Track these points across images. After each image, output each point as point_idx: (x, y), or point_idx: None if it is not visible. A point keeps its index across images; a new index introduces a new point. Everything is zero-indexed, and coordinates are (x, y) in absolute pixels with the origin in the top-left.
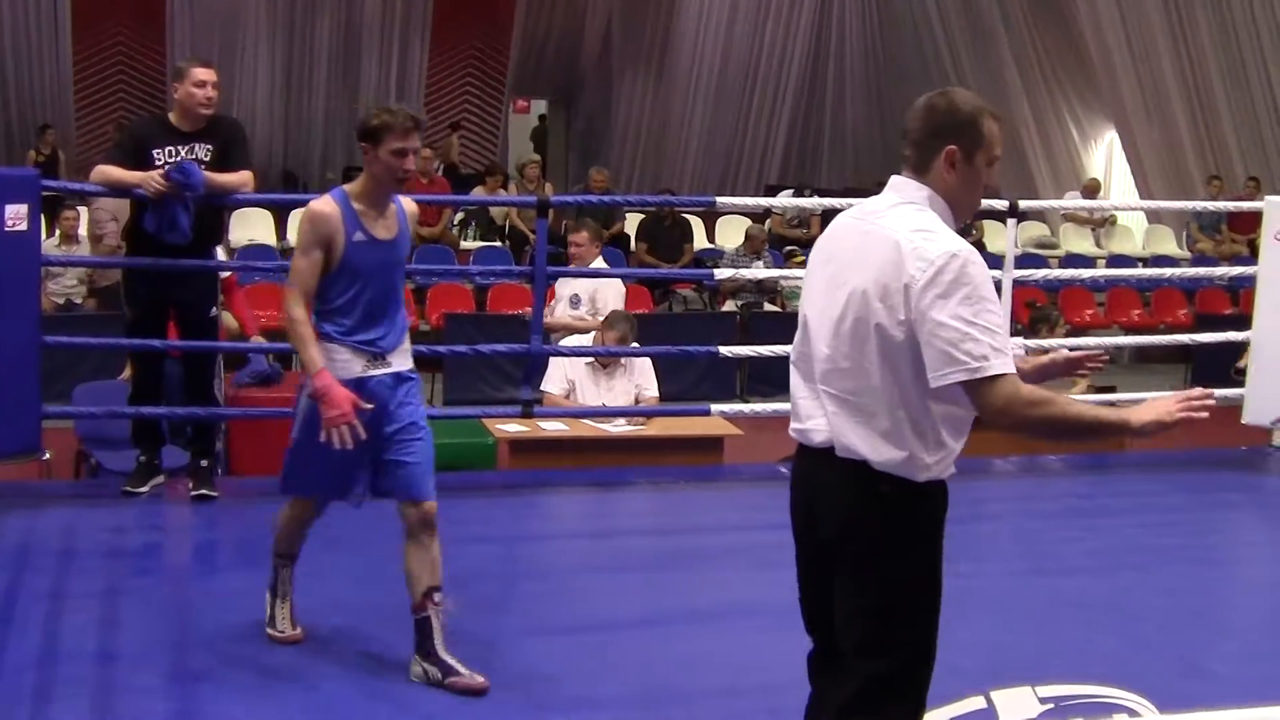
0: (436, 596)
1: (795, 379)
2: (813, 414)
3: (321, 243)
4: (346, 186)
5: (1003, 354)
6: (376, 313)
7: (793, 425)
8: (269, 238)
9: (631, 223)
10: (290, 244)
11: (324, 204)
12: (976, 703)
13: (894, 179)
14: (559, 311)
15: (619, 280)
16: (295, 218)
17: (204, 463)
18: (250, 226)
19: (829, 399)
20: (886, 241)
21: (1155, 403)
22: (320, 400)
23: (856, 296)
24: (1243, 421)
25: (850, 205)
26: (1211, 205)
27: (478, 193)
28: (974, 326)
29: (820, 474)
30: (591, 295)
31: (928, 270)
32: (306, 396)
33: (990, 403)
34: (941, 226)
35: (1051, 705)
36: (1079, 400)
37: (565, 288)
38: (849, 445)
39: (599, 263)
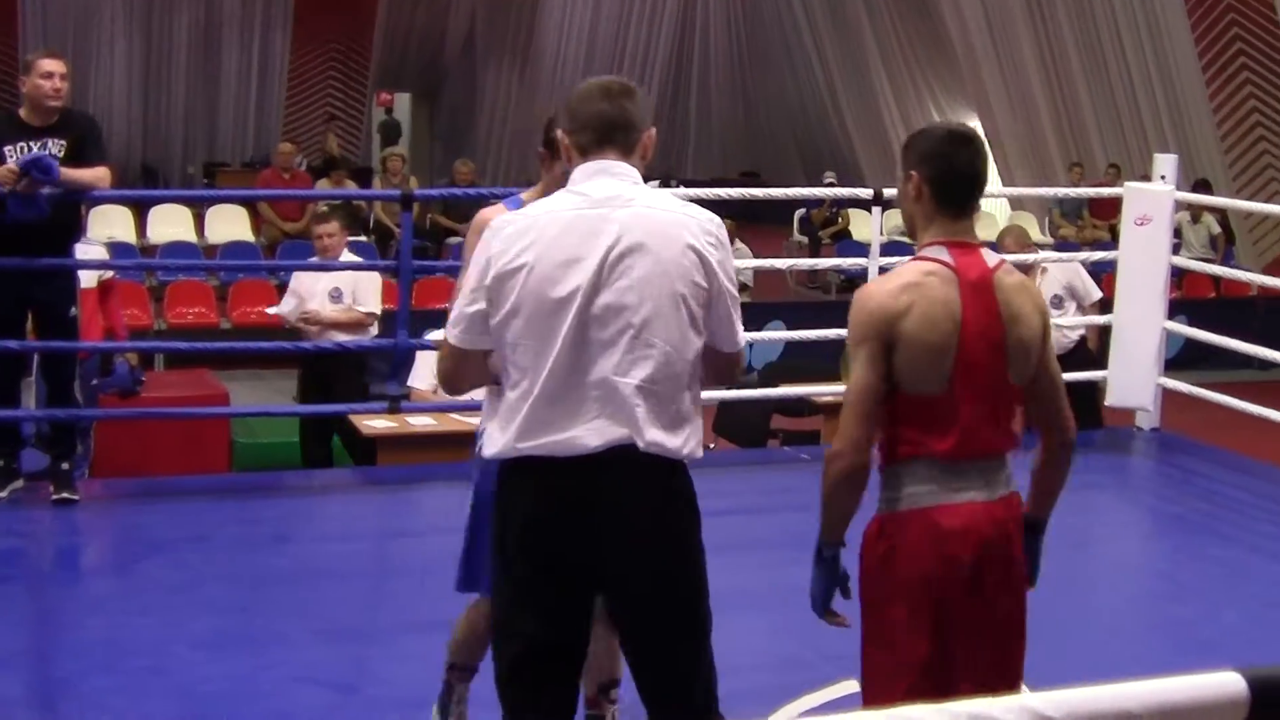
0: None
1: (538, 393)
2: (575, 421)
3: None
4: (524, 194)
5: None
6: None
7: (536, 441)
8: (129, 235)
9: None
10: (153, 241)
11: None
12: (849, 686)
13: (613, 164)
14: (315, 306)
15: (376, 273)
16: (158, 214)
17: (64, 465)
18: (110, 224)
19: (631, 393)
20: (664, 218)
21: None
22: None
23: (656, 277)
24: (1106, 404)
25: (718, 195)
26: (1073, 191)
27: (322, 186)
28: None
29: (607, 482)
30: (353, 287)
31: (714, 236)
32: (480, 470)
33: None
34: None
35: None
36: None
37: (317, 281)
38: (655, 440)
39: (347, 254)
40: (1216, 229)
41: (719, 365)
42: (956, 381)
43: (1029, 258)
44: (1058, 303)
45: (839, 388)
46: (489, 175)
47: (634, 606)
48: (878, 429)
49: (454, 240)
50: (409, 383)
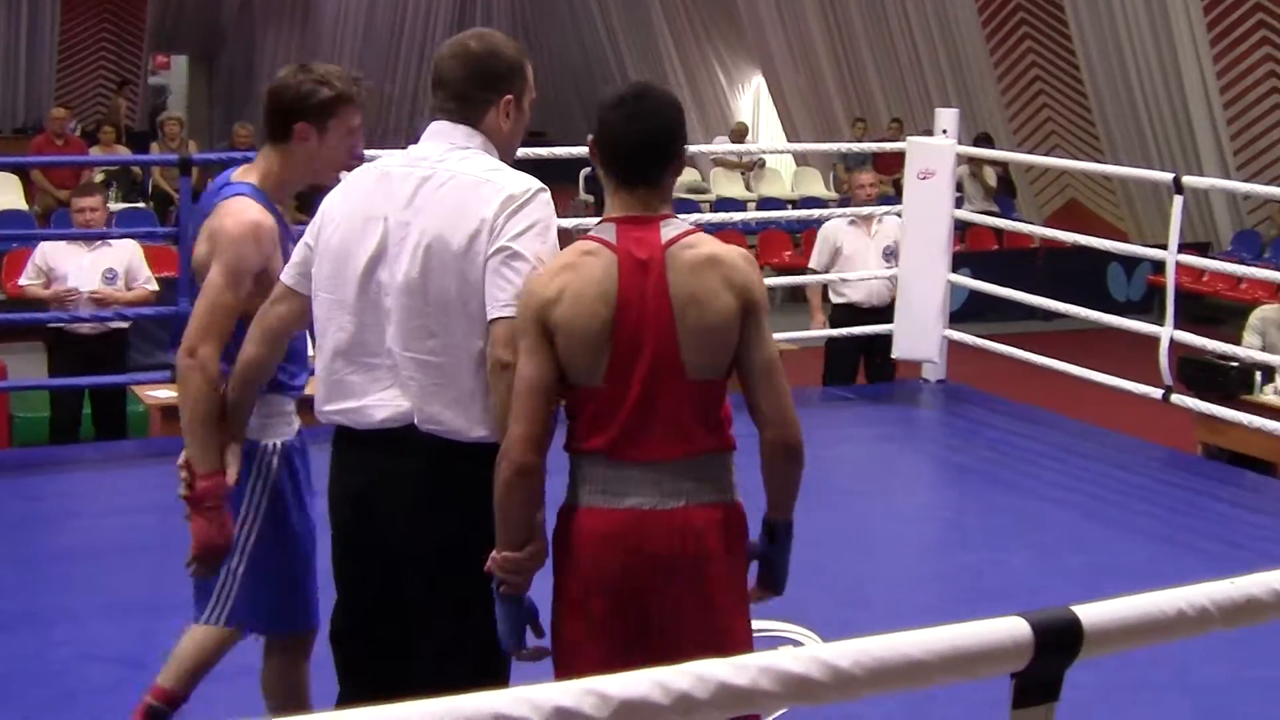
0: None
1: (335, 355)
2: (368, 389)
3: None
4: (253, 180)
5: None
6: None
7: (335, 406)
8: None
9: None
10: None
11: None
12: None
13: (440, 126)
14: (81, 285)
15: (136, 242)
16: None
17: None
18: None
19: (411, 365)
20: (460, 183)
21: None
22: None
23: (436, 244)
24: (892, 356)
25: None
26: (856, 147)
27: (96, 152)
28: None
29: (388, 458)
30: (126, 265)
31: (516, 201)
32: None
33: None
34: (506, 167)
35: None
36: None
37: (79, 258)
38: (431, 415)
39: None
40: (993, 181)
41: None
42: (613, 373)
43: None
44: (889, 255)
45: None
46: None
47: (409, 592)
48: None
49: None
50: None
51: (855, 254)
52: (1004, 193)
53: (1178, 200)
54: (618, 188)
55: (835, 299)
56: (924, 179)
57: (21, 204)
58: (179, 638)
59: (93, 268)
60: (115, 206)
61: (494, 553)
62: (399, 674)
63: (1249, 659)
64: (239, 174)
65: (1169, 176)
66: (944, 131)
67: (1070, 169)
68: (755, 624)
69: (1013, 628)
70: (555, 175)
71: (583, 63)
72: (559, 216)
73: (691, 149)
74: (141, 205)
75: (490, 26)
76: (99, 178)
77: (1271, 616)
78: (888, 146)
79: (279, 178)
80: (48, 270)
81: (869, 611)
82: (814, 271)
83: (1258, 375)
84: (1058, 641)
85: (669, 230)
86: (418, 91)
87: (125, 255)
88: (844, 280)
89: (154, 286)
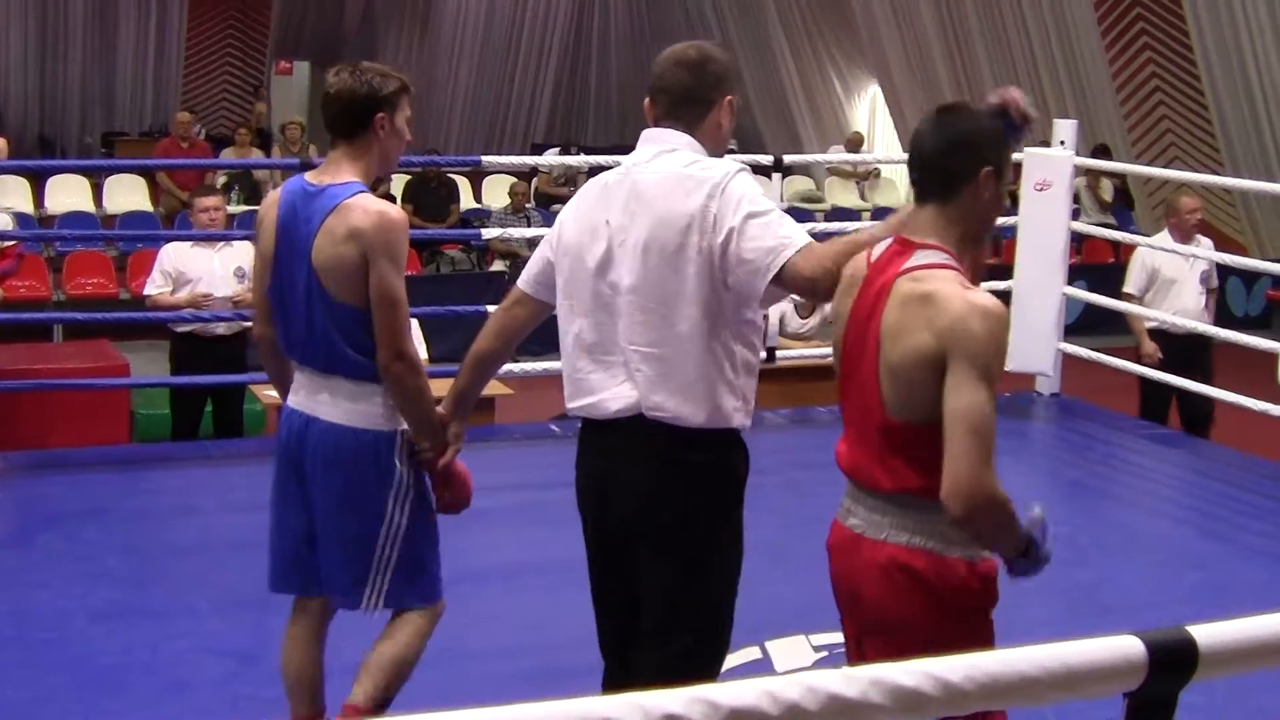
0: None
1: (577, 354)
2: (604, 385)
3: None
4: (349, 178)
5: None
6: None
7: (579, 402)
8: (27, 205)
9: (398, 184)
10: (51, 212)
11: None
12: (752, 653)
13: (651, 133)
14: (212, 289)
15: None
16: (56, 185)
17: None
18: (7, 194)
19: (638, 358)
20: (665, 183)
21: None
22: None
23: (652, 242)
24: (1006, 368)
25: (617, 162)
26: None
27: (228, 154)
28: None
29: (621, 444)
30: (251, 264)
31: (720, 185)
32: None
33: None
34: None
35: (825, 653)
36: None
37: (209, 261)
38: (658, 404)
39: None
40: (1109, 195)
41: (793, 289)
42: (841, 391)
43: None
44: (1203, 279)
45: None
46: None
47: (637, 575)
48: None
49: None
50: None
51: (1176, 277)
52: (1121, 205)
53: None
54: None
55: (1148, 324)
56: (1040, 190)
57: (147, 205)
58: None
59: (223, 267)
60: (235, 209)
61: None
62: (632, 637)
63: None
64: (325, 177)
65: None
66: (1061, 143)
67: (1189, 181)
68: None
69: (1127, 647)
70: None
71: None
72: None
73: (807, 158)
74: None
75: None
76: (222, 180)
77: None
78: None
79: (368, 171)
80: (176, 275)
81: None
82: (1131, 298)
83: None
84: (1173, 662)
85: (916, 259)
86: (535, 95)
87: (247, 256)
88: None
89: None
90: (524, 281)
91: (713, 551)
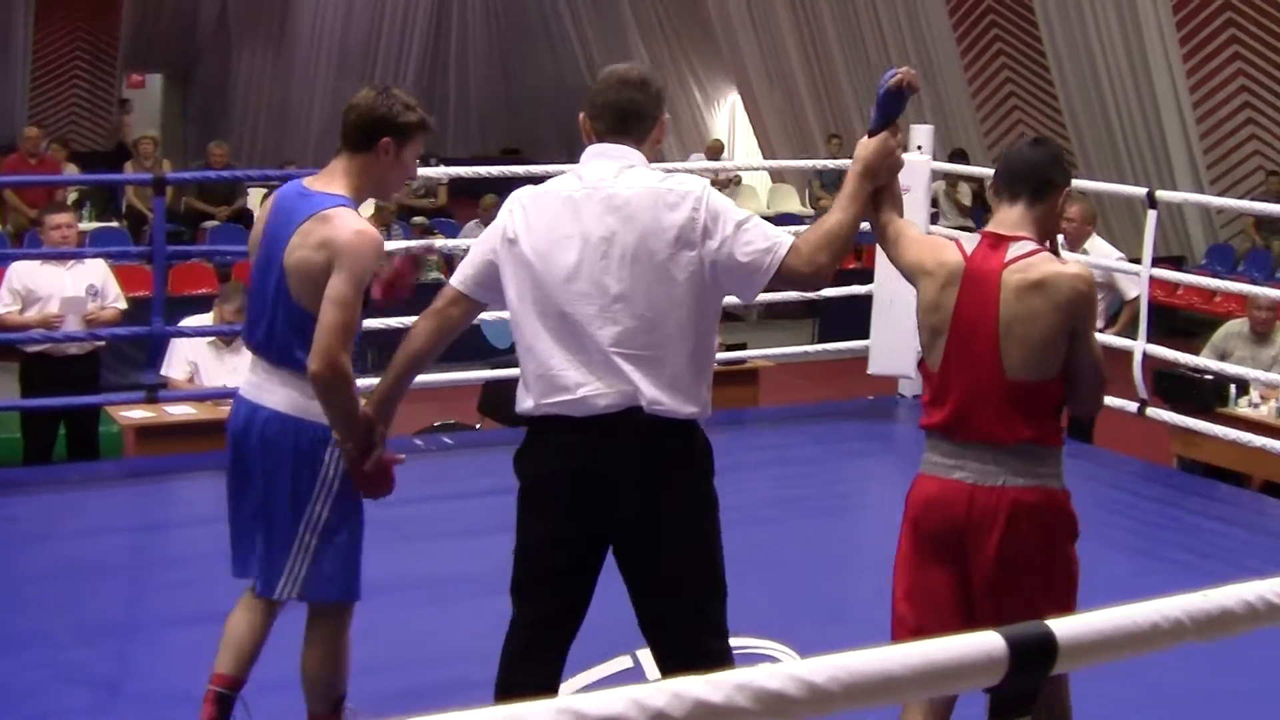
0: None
1: (549, 354)
2: (583, 383)
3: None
4: (338, 190)
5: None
6: None
7: (556, 398)
8: None
9: (255, 197)
10: None
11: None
12: (624, 662)
13: (602, 148)
14: (63, 308)
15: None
16: None
17: None
18: None
19: (624, 360)
20: (644, 198)
21: (861, 145)
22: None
23: (642, 253)
24: (868, 372)
25: (478, 174)
26: (832, 163)
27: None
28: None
29: (610, 441)
30: (103, 281)
31: (696, 198)
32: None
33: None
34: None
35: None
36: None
37: (58, 279)
38: (655, 399)
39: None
40: (968, 200)
41: (789, 285)
42: (946, 365)
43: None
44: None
45: None
46: (244, 157)
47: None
48: None
49: (210, 224)
50: (164, 372)
51: None
52: (980, 208)
53: (1151, 214)
54: (999, 205)
55: None
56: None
57: None
58: (154, 660)
59: (74, 286)
60: (88, 225)
61: None
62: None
63: (1222, 671)
64: (317, 184)
65: (1143, 191)
66: (919, 148)
67: None
68: (737, 640)
69: (988, 643)
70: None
71: (558, 81)
72: None
73: (668, 166)
74: (115, 224)
75: (466, 46)
76: (73, 197)
77: (1244, 628)
78: None
79: (358, 188)
80: (25, 293)
81: (847, 628)
82: None
83: (1232, 388)
84: (1033, 656)
85: (1015, 250)
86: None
87: (99, 273)
88: None
89: (123, 305)
90: (461, 283)
91: (712, 524)
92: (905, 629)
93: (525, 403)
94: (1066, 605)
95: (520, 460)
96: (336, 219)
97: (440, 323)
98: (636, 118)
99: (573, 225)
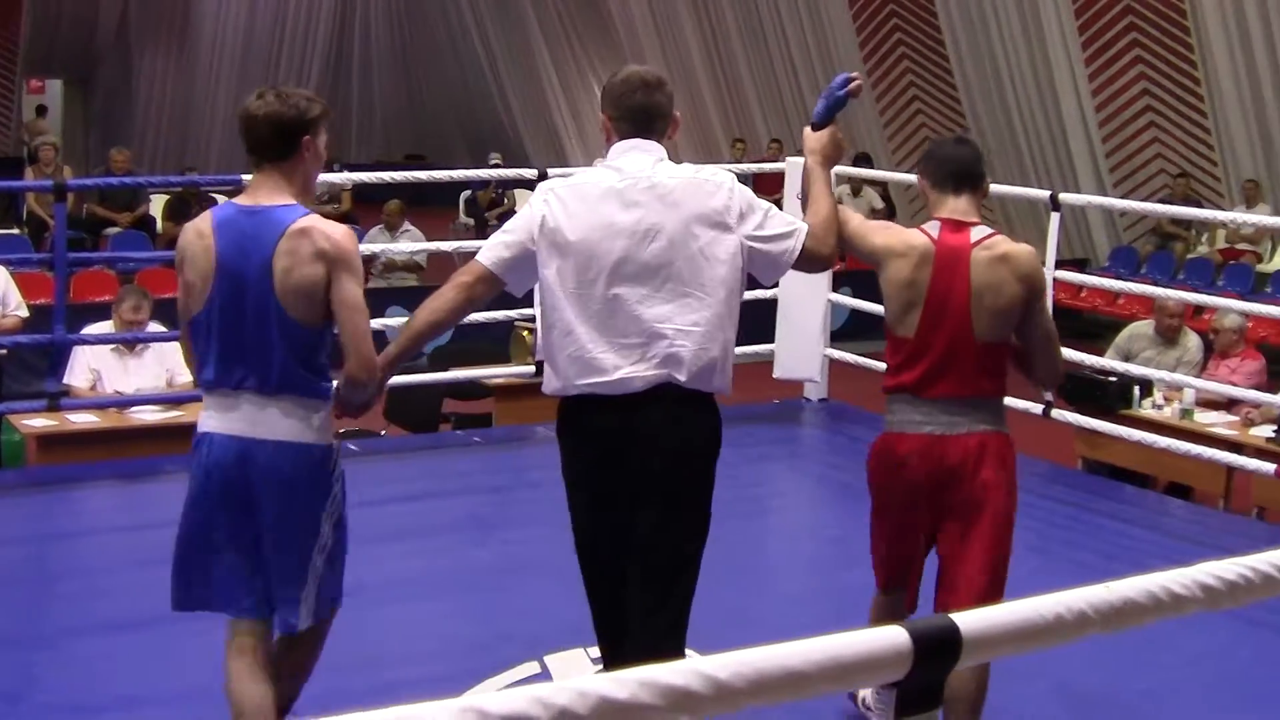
0: None
1: (587, 338)
2: (619, 364)
3: None
4: (289, 200)
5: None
6: None
7: (592, 380)
8: None
9: (157, 204)
10: None
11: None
12: (531, 668)
13: (634, 143)
14: None
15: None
16: None
17: None
18: None
19: (681, 336)
20: (684, 187)
21: (809, 137)
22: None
23: (689, 238)
24: (774, 376)
25: (382, 179)
26: (736, 167)
27: (30, 175)
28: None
29: (643, 415)
30: (4, 290)
31: (727, 187)
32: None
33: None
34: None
35: (603, 665)
36: None
37: None
38: (698, 374)
39: None
40: (879, 203)
41: (807, 267)
42: (922, 330)
43: None
44: None
45: (510, 369)
46: (146, 163)
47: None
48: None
49: (112, 231)
50: (66, 380)
51: None
52: (885, 213)
53: (1055, 217)
54: (943, 198)
55: None
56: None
57: None
58: (57, 670)
59: None
60: None
61: None
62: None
63: (1125, 671)
64: (260, 199)
65: (1046, 194)
66: None
67: None
68: None
69: (892, 636)
70: (434, 199)
71: (462, 87)
72: (438, 238)
73: (570, 171)
74: (16, 231)
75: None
76: None
77: (1148, 619)
78: (767, 167)
79: (298, 192)
80: None
81: (755, 630)
82: None
83: (1136, 390)
84: (937, 649)
85: (976, 234)
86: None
87: (3, 278)
88: None
89: (24, 313)
90: (493, 263)
91: (709, 501)
92: (886, 569)
93: (554, 383)
94: (1010, 528)
95: (560, 438)
96: (317, 229)
97: (468, 296)
98: (660, 117)
99: (621, 214)
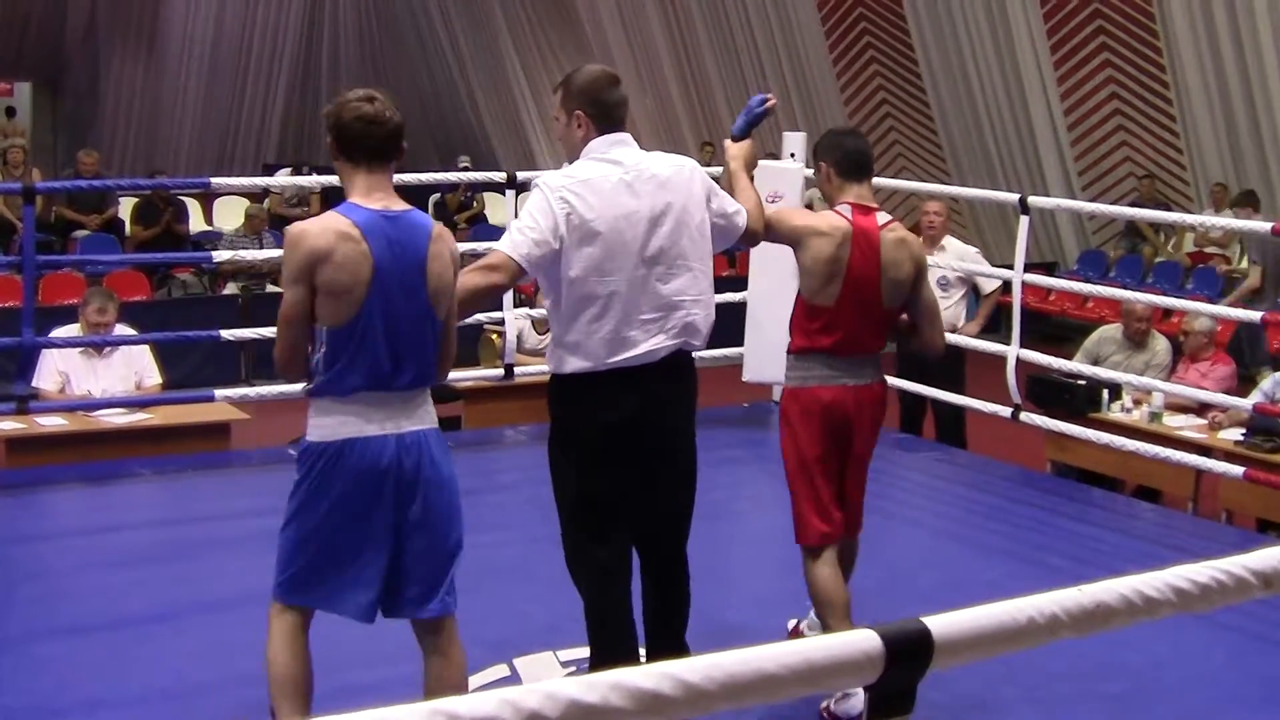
0: None
1: (616, 318)
2: (642, 340)
3: None
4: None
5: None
6: None
7: (624, 355)
8: None
9: (126, 206)
10: None
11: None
12: (500, 671)
13: (620, 137)
14: None
15: None
16: None
17: None
18: None
19: (695, 305)
20: (675, 172)
21: (731, 148)
22: None
23: (688, 217)
24: (743, 379)
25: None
26: (705, 170)
27: None
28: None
29: (662, 381)
30: None
31: (701, 170)
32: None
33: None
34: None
35: (573, 667)
36: None
37: None
38: (704, 337)
39: None
40: None
41: (747, 241)
42: (842, 300)
43: None
44: (943, 285)
45: (479, 372)
46: (115, 165)
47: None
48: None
49: (81, 234)
50: (34, 383)
51: None
52: None
53: (1024, 220)
54: (848, 185)
55: None
56: (773, 202)
57: None
58: (23, 673)
59: None
60: None
61: None
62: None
63: (1098, 675)
64: (389, 203)
65: (1015, 197)
66: (791, 155)
67: (917, 191)
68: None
69: (864, 640)
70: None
71: (431, 90)
72: None
73: (539, 174)
74: None
75: (338, 54)
76: None
77: (1120, 623)
78: None
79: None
80: None
81: (725, 633)
82: None
83: (1105, 393)
84: (909, 653)
85: (880, 218)
86: (265, 115)
87: None
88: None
89: None
90: (524, 258)
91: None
92: (825, 516)
93: (578, 364)
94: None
95: (576, 414)
96: (447, 233)
97: (494, 283)
98: (627, 109)
99: (635, 202)
